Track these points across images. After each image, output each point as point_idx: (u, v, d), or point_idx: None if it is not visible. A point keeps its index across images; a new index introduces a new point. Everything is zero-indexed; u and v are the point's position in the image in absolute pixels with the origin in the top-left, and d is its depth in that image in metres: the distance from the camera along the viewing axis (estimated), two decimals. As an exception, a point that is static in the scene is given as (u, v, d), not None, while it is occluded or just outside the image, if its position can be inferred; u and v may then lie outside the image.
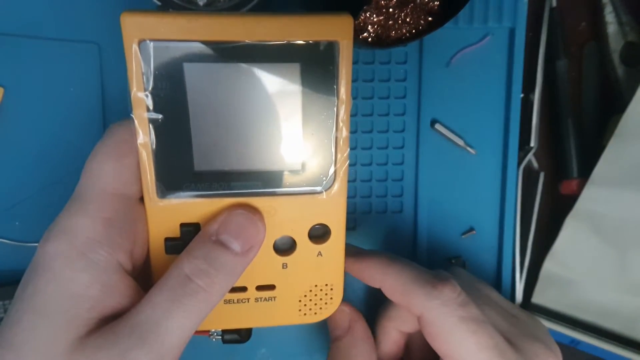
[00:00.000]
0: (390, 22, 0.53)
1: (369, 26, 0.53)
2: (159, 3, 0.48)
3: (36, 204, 0.55)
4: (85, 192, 0.33)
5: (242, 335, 0.46)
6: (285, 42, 0.32)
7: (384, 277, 0.42)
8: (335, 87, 0.33)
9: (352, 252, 0.46)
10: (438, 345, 0.40)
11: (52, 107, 0.54)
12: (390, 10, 0.52)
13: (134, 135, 0.33)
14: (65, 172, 0.54)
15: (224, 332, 0.47)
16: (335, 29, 0.32)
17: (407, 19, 0.53)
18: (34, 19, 0.52)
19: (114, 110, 0.55)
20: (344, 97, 0.33)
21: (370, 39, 0.53)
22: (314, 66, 0.33)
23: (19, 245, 0.55)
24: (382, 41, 0.53)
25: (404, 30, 0.53)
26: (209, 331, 0.54)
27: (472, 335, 0.38)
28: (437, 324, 0.39)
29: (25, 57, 0.53)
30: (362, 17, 0.52)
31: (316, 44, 0.32)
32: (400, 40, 0.53)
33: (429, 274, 0.42)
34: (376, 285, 0.44)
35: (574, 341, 0.61)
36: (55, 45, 0.53)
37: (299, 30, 0.32)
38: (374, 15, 0.52)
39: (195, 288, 0.31)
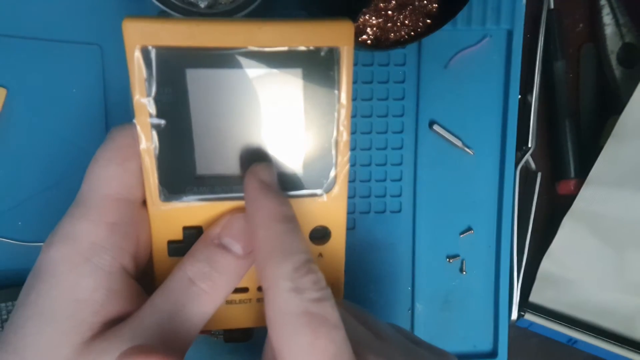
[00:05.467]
0: (389, 25, 0.53)
1: (368, 28, 0.53)
2: (160, 5, 0.48)
3: (39, 204, 0.55)
4: (88, 197, 0.33)
5: (244, 335, 0.46)
6: (287, 48, 0.32)
7: None
8: (336, 92, 0.33)
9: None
10: None
11: (55, 108, 0.54)
12: (389, 12, 0.53)
13: (135, 139, 0.33)
14: (68, 173, 0.55)
15: (226, 331, 0.47)
16: (336, 35, 0.32)
17: (406, 22, 0.53)
18: (36, 20, 0.53)
19: (116, 111, 0.55)
20: (344, 101, 0.34)
21: (369, 41, 0.53)
22: (315, 71, 0.33)
23: (22, 245, 0.55)
24: (381, 43, 0.53)
25: (403, 33, 0.53)
26: (210, 330, 0.54)
27: None
28: None
29: (27, 58, 0.53)
30: (362, 20, 0.52)
31: (317, 49, 0.32)
32: (399, 42, 0.53)
33: None
34: None
35: (571, 340, 0.61)
36: (58, 47, 0.53)
37: (301, 36, 0.32)
38: (373, 18, 0.53)
39: (198, 291, 0.32)
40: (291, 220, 0.33)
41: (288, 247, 0.31)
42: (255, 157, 0.34)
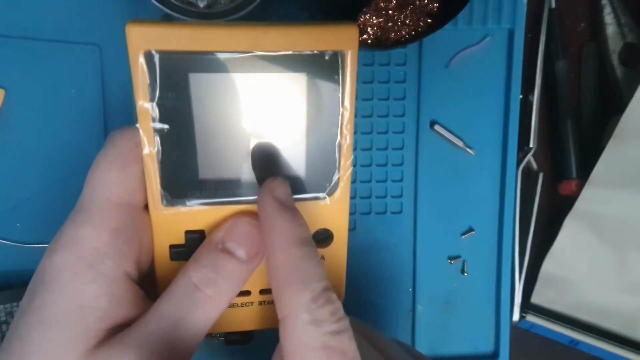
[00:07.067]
0: (389, 24, 0.53)
1: (369, 28, 0.53)
2: (158, 5, 0.48)
3: (37, 205, 0.55)
4: (90, 202, 0.32)
5: (245, 337, 0.46)
6: (291, 52, 0.32)
7: None
8: (340, 95, 0.33)
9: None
10: None
11: (53, 109, 0.54)
12: (390, 12, 0.53)
13: (136, 143, 0.32)
14: (66, 174, 0.54)
15: (227, 334, 0.47)
16: (341, 39, 0.32)
17: (407, 21, 0.53)
18: (35, 21, 0.52)
19: (115, 112, 0.55)
20: (348, 105, 0.33)
21: (369, 41, 0.53)
22: (320, 76, 0.33)
23: (20, 247, 0.55)
24: (381, 43, 0.53)
25: (404, 32, 0.53)
26: (211, 333, 0.54)
27: None
28: None
29: (26, 59, 0.53)
30: (362, 19, 0.52)
31: (322, 53, 0.32)
32: (400, 42, 0.53)
33: None
34: None
35: (573, 341, 0.61)
36: (56, 47, 0.53)
37: (305, 40, 0.32)
38: (374, 17, 0.52)
39: (203, 297, 0.31)
40: (308, 243, 0.32)
41: (305, 274, 0.31)
42: (258, 162, 0.34)
